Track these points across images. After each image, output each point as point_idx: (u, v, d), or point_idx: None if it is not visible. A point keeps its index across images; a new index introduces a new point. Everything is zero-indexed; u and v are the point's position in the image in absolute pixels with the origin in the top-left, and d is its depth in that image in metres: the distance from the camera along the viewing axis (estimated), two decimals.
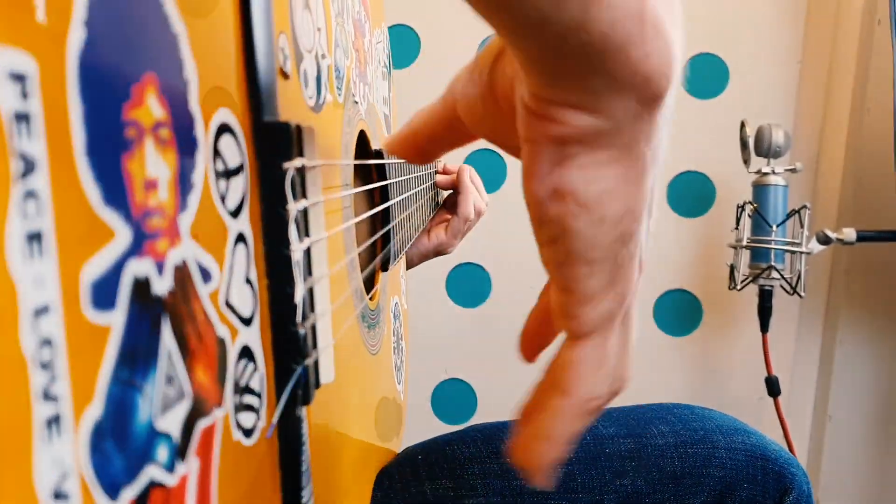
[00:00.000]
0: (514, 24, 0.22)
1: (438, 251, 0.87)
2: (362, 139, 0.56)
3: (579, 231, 0.26)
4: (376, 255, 0.62)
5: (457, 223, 0.85)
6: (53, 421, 0.15)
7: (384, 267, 0.61)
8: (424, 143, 0.37)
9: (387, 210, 0.60)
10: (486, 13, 0.23)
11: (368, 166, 0.61)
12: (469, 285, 1.50)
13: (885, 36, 1.15)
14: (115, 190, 0.18)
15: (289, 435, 0.30)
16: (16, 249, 0.14)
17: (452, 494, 0.55)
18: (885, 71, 1.14)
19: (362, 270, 0.52)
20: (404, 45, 1.45)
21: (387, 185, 0.60)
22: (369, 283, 0.58)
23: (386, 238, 0.60)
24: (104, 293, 0.18)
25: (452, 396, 1.55)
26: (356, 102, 0.52)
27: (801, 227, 1.23)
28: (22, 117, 0.15)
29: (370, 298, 0.56)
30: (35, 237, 0.15)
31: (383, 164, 0.60)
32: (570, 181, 0.26)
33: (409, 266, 0.89)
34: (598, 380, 0.30)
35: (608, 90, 0.24)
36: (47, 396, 0.15)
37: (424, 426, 1.52)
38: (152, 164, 0.20)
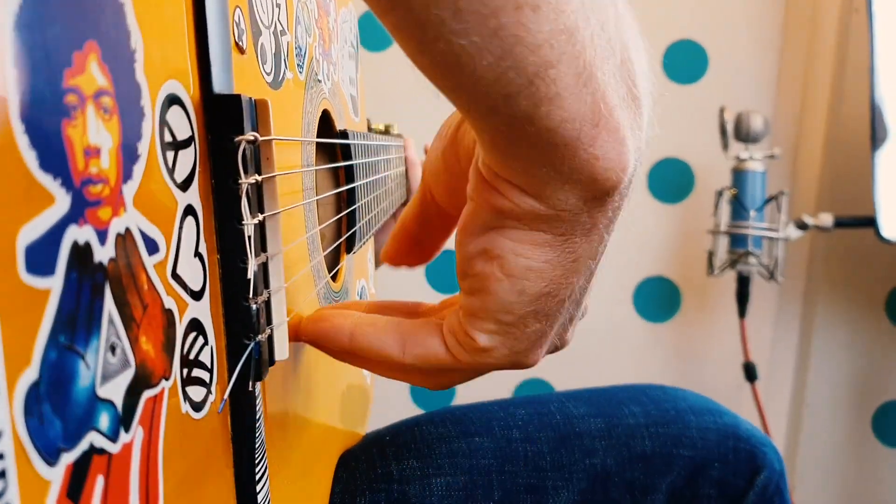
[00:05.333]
0: (469, 107, 0.24)
1: None
2: (326, 119, 0.56)
3: (497, 294, 0.28)
4: (341, 237, 0.62)
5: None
6: None
7: (349, 248, 0.61)
8: (417, 231, 0.37)
9: (353, 193, 0.60)
10: (445, 92, 0.25)
11: (333, 148, 0.60)
12: (448, 272, 1.50)
13: (862, 24, 1.17)
14: (53, 155, 0.18)
15: (242, 410, 0.31)
16: None
17: (419, 473, 0.55)
18: (863, 59, 1.16)
19: (325, 251, 0.52)
20: (381, 28, 1.43)
21: (352, 167, 0.60)
22: (334, 266, 0.58)
23: (352, 222, 0.60)
24: (42, 258, 0.18)
25: None
26: (319, 81, 0.52)
27: (779, 212, 1.24)
28: None
29: (333, 280, 0.56)
30: None
31: (348, 146, 0.60)
32: (500, 247, 0.28)
33: None
34: (436, 381, 0.34)
35: (553, 181, 0.25)
36: None
37: (404, 414, 1.52)
38: (94, 131, 0.20)
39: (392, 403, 1.52)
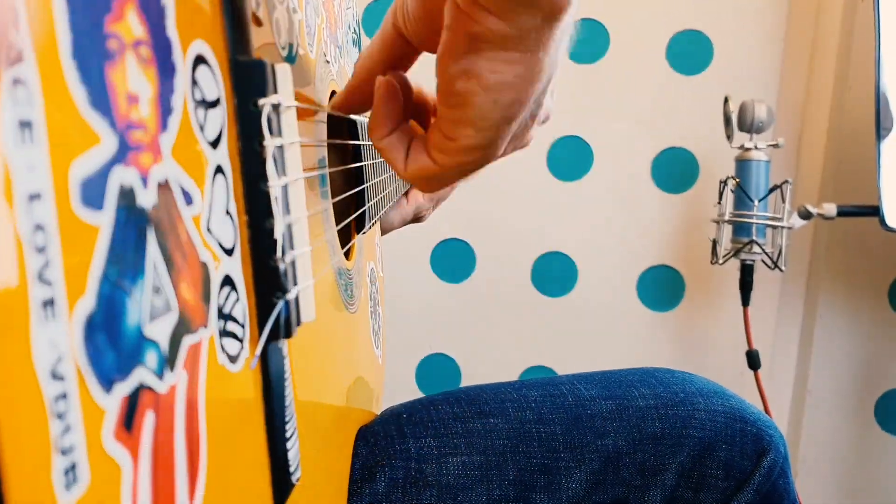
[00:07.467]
0: None
1: (416, 215, 0.88)
2: None
3: (477, 105, 0.34)
4: (350, 216, 0.62)
5: None
6: (49, 304, 0.16)
7: (359, 228, 0.62)
8: (382, 72, 0.42)
9: (361, 174, 0.60)
10: None
11: (341, 129, 0.61)
12: (453, 261, 1.51)
13: (867, 13, 1.16)
14: (100, 95, 0.19)
15: (272, 367, 0.31)
16: (8, 133, 0.15)
17: (436, 453, 0.56)
18: (868, 47, 1.15)
19: (337, 228, 0.53)
20: None
21: (360, 147, 0.60)
22: (345, 246, 0.59)
23: (361, 201, 0.61)
24: (92, 193, 0.18)
25: (437, 371, 1.56)
26: (328, 62, 0.53)
27: (783, 202, 1.24)
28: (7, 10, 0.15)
29: (347, 258, 0.57)
30: (26, 125, 0.16)
31: (355, 129, 0.60)
32: (478, 66, 0.33)
33: (391, 228, 0.90)
34: (428, 187, 0.40)
35: (521, 5, 0.31)
36: (42, 279, 0.16)
37: (409, 398, 1.52)
38: (134, 78, 0.21)
39: (397, 388, 1.53)
